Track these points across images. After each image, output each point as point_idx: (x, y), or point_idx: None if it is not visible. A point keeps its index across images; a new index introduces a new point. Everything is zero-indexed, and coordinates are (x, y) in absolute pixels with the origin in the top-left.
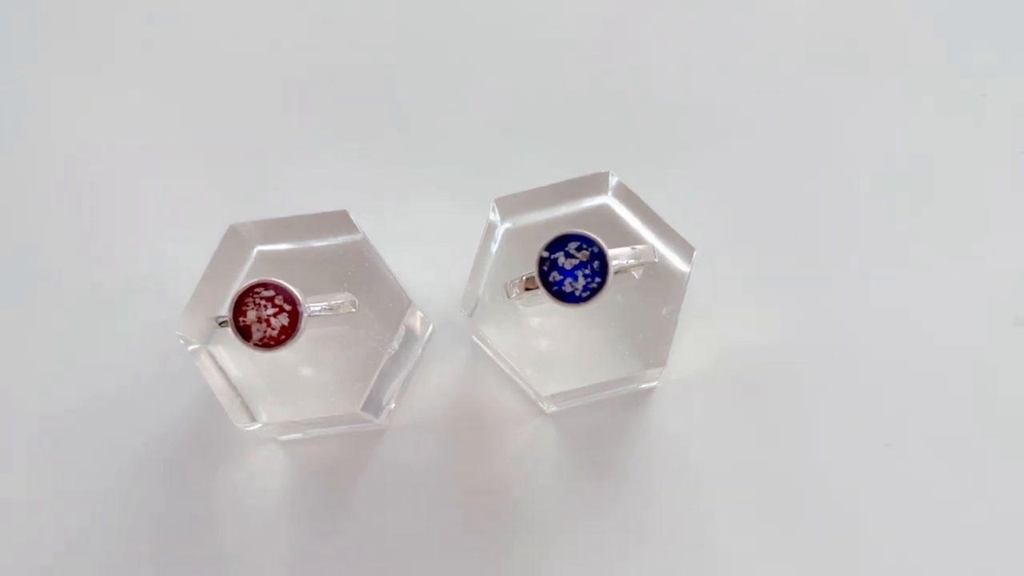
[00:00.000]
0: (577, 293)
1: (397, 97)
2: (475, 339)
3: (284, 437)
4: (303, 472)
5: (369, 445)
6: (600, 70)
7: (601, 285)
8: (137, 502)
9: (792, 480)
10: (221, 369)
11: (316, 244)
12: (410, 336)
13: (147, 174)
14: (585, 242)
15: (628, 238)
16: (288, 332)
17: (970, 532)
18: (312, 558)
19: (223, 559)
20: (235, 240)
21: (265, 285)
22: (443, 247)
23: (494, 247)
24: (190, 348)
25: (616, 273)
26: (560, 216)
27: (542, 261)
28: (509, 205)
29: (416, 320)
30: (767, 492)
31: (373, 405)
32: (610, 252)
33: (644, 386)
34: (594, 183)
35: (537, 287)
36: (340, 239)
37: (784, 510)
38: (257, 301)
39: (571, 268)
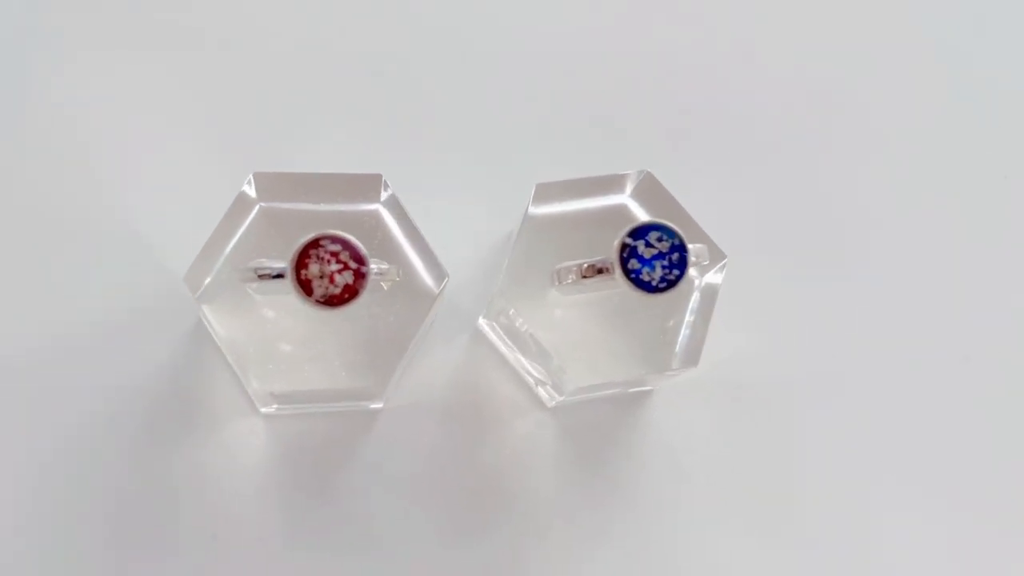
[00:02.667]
0: (653, 283)
1: (428, 82)
2: (482, 323)
3: (265, 409)
4: (287, 449)
5: (361, 425)
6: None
7: (679, 278)
8: (94, 470)
9: (780, 487)
10: (227, 329)
11: (343, 208)
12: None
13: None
14: (667, 233)
15: None
16: (352, 292)
17: (955, 551)
18: (292, 543)
19: (190, 540)
20: (250, 194)
21: (332, 238)
22: (448, 231)
23: (522, 233)
24: (200, 303)
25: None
26: (581, 210)
27: (623, 247)
28: (546, 193)
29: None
30: (757, 498)
31: (390, 384)
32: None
33: (645, 388)
34: (623, 181)
35: (594, 276)
36: (368, 205)
37: (772, 517)
38: (322, 255)
39: (649, 257)
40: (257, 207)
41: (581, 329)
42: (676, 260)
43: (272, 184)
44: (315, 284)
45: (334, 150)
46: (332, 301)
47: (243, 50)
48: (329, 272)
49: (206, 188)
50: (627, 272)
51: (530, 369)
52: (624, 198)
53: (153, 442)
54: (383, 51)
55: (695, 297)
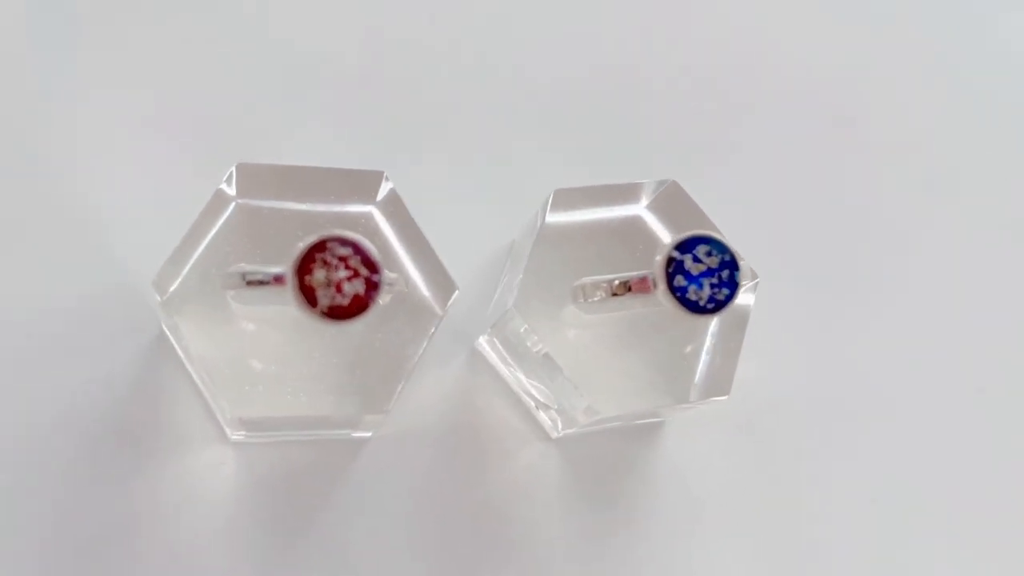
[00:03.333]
0: (701, 303)
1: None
2: (481, 344)
3: (236, 436)
4: (260, 482)
5: (345, 456)
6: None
7: (729, 298)
8: (36, 502)
9: (794, 522)
10: (199, 352)
11: (335, 208)
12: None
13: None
14: (716, 247)
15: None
16: (361, 304)
17: None
18: None
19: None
20: (227, 191)
21: (341, 240)
22: (442, 239)
23: (538, 243)
24: (173, 313)
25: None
26: (597, 219)
27: (669, 262)
28: (565, 199)
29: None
30: (772, 535)
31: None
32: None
33: (656, 419)
34: (645, 190)
35: (624, 293)
36: (362, 207)
37: (786, 553)
38: (328, 259)
39: (697, 274)
40: (233, 204)
41: (596, 352)
42: (726, 278)
43: (256, 179)
44: (320, 293)
45: (320, 149)
46: (338, 313)
47: (229, 32)
48: (336, 279)
49: (178, 184)
50: (672, 290)
51: (533, 392)
52: (641, 208)
53: (106, 471)
54: (388, 41)
55: (715, 320)
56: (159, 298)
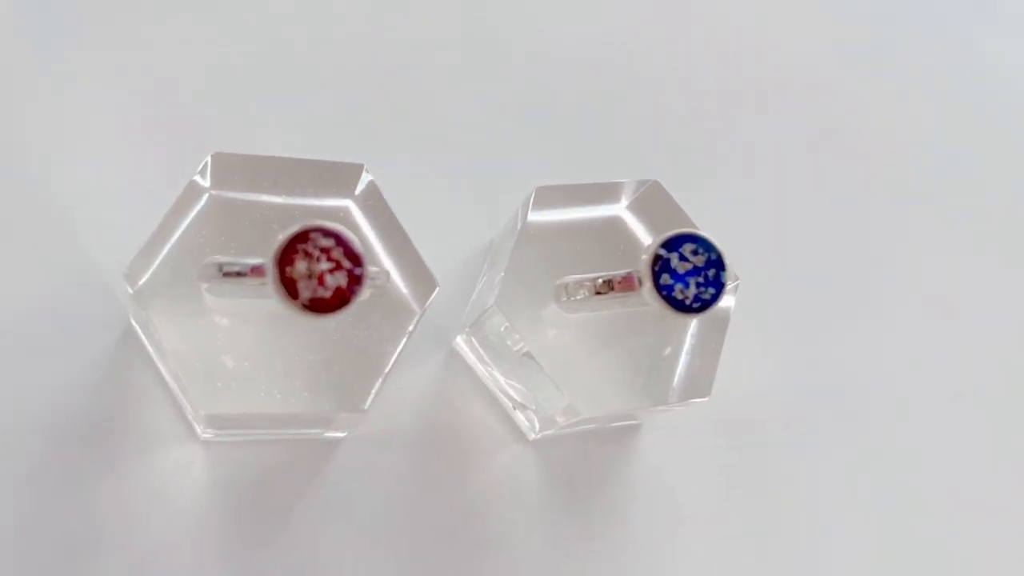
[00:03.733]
0: (687, 302)
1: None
2: (459, 344)
3: (206, 435)
4: (229, 482)
5: (318, 456)
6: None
7: (715, 297)
8: (1, 505)
9: (774, 523)
10: (172, 347)
11: (310, 202)
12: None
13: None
14: (703, 246)
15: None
16: (343, 297)
17: None
18: None
19: None
20: (202, 181)
21: (324, 231)
22: (418, 236)
23: (520, 241)
24: (145, 306)
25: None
26: (577, 219)
27: (656, 259)
28: (547, 197)
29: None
30: (751, 535)
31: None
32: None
33: (634, 421)
34: (622, 190)
35: (607, 292)
36: (335, 201)
37: (766, 554)
38: (310, 250)
39: (683, 273)
40: (207, 195)
41: (575, 352)
42: (712, 277)
43: (231, 170)
44: (301, 285)
45: (297, 143)
46: (319, 306)
47: (206, 23)
48: (319, 271)
49: (150, 175)
50: (658, 288)
51: (511, 392)
52: (622, 208)
53: (73, 471)
54: (369, 36)
55: (695, 322)
56: (130, 290)
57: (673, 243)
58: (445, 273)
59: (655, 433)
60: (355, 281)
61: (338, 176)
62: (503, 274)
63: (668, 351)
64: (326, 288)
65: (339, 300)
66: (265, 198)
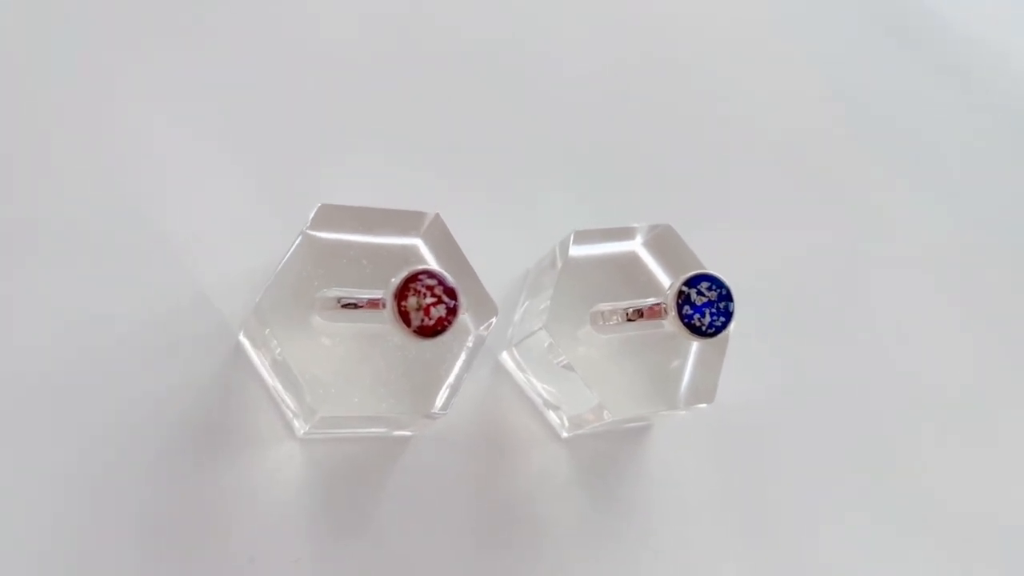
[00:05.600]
0: (704, 328)
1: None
2: (506, 358)
3: (302, 433)
4: (322, 471)
5: (392, 451)
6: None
7: (725, 324)
8: (129, 490)
9: (788, 523)
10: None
11: (389, 241)
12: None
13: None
14: (715, 283)
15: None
16: (443, 324)
17: None
18: (326, 562)
19: (225, 563)
20: (316, 227)
21: (429, 273)
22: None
23: (554, 273)
24: (269, 325)
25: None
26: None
27: (680, 295)
28: (582, 237)
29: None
30: (765, 532)
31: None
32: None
33: (644, 423)
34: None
35: (635, 319)
36: (412, 239)
37: (782, 551)
38: (419, 288)
39: (700, 305)
40: (302, 235)
41: (602, 366)
42: (723, 308)
43: (331, 217)
44: (412, 316)
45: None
46: (425, 332)
47: (277, 78)
48: (425, 304)
49: (253, 215)
50: (682, 317)
51: (545, 396)
52: (638, 246)
53: (189, 465)
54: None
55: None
56: (257, 316)
57: (693, 281)
58: (497, 298)
59: (664, 432)
60: (452, 312)
61: (409, 220)
62: (549, 303)
63: (675, 364)
64: (431, 318)
65: (440, 327)
66: (356, 238)
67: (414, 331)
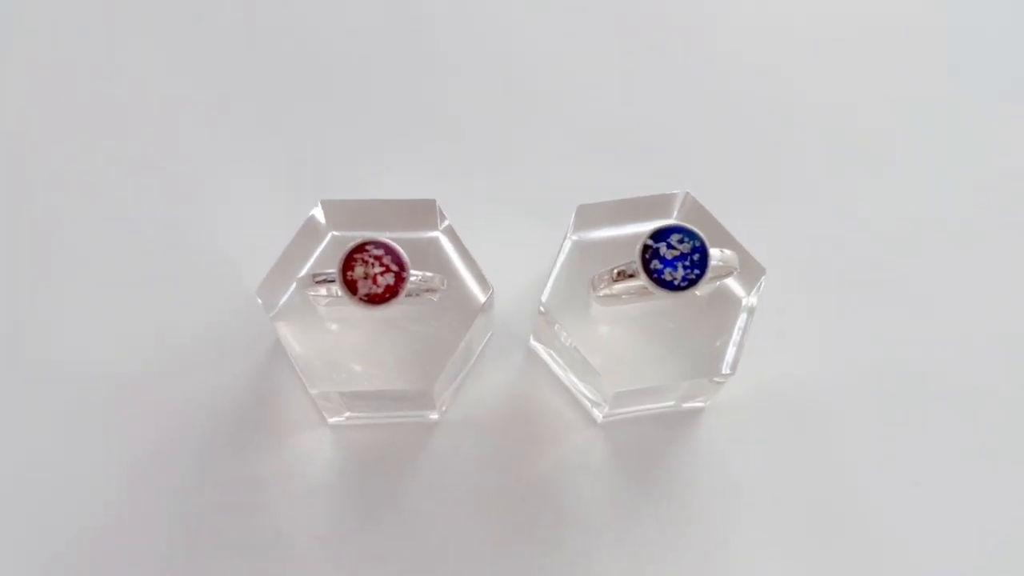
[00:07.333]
0: (675, 282)
1: (485, 104)
2: (534, 344)
3: (333, 420)
4: (350, 455)
5: (419, 436)
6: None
7: (699, 276)
8: (174, 475)
9: (830, 505)
10: (295, 341)
11: (397, 235)
12: (473, 336)
13: (231, 159)
14: (688, 235)
15: None
16: (392, 291)
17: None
18: (352, 541)
19: (262, 537)
20: (317, 218)
21: (376, 243)
22: (503, 257)
23: (561, 258)
24: (270, 315)
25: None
26: (629, 233)
27: (645, 249)
28: (588, 215)
29: (483, 319)
30: (803, 520)
31: (439, 390)
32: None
33: (693, 405)
34: (667, 202)
35: (624, 280)
36: (423, 234)
37: (818, 539)
38: (366, 259)
39: (672, 258)
40: (329, 235)
41: (627, 346)
42: (697, 260)
43: (338, 211)
44: (359, 284)
45: (395, 180)
46: (373, 299)
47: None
48: (372, 274)
49: (283, 219)
50: (649, 272)
51: (581, 388)
52: (667, 219)
53: (234, 450)
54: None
55: (743, 316)
56: (263, 306)
57: (661, 235)
58: (525, 286)
59: (714, 417)
60: (401, 280)
61: (421, 212)
62: (551, 280)
63: (693, 336)
64: (378, 286)
65: (389, 294)
66: (369, 234)
67: (361, 299)
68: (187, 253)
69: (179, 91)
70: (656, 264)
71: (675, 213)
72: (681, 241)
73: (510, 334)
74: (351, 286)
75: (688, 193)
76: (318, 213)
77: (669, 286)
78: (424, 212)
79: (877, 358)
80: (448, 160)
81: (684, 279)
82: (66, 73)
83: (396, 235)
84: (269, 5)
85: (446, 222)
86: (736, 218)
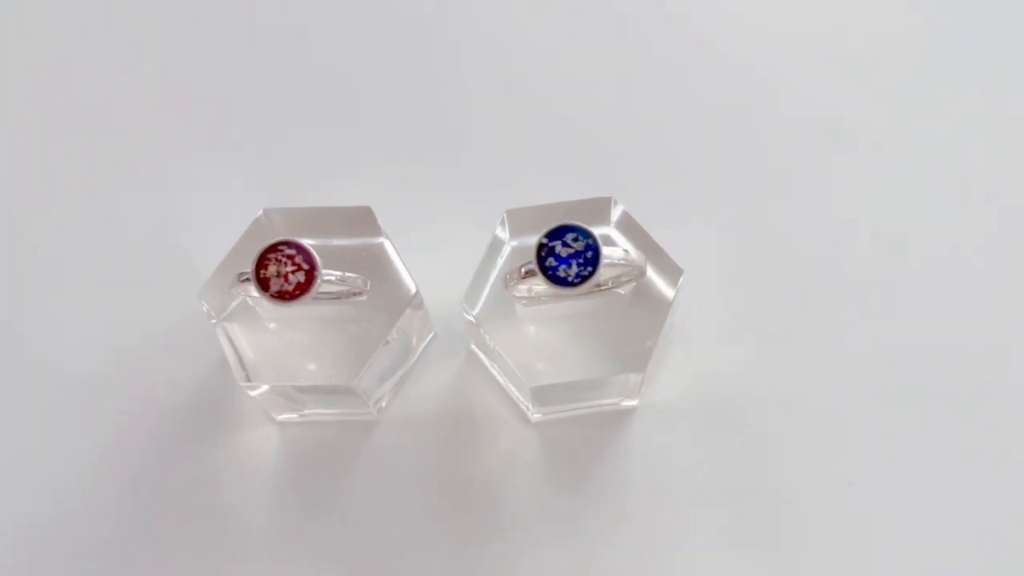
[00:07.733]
0: (569, 279)
1: (425, 105)
2: (473, 347)
3: (280, 417)
4: (295, 451)
5: (360, 434)
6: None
7: (592, 273)
8: (123, 471)
9: (760, 508)
10: (233, 340)
11: (337, 242)
12: (408, 336)
13: (183, 162)
14: (581, 234)
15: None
16: (303, 288)
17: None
18: (295, 535)
19: (209, 528)
20: (263, 224)
21: (288, 244)
22: (448, 259)
23: (500, 261)
24: (212, 320)
25: (607, 265)
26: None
27: (541, 247)
28: (518, 219)
29: (417, 320)
30: (735, 518)
31: (366, 387)
32: (604, 248)
33: (625, 404)
34: (598, 206)
35: (531, 277)
36: (361, 239)
37: (750, 537)
38: (279, 258)
39: (566, 256)
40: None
41: (551, 346)
42: (591, 258)
43: (279, 219)
44: (272, 282)
45: (342, 188)
46: (284, 296)
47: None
48: (284, 272)
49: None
50: (544, 270)
51: (512, 388)
52: (608, 229)
53: (184, 446)
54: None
55: (666, 315)
56: (206, 307)
57: (556, 234)
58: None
59: (645, 416)
60: (312, 278)
61: (357, 216)
62: (470, 282)
63: (617, 335)
64: (289, 283)
65: (300, 291)
66: (313, 242)
67: (273, 295)
68: (142, 254)
69: (136, 93)
70: (551, 262)
71: (611, 218)
72: (576, 239)
73: (454, 336)
74: (264, 283)
75: (611, 197)
76: (263, 219)
77: (563, 282)
78: (362, 218)
79: (809, 357)
80: (392, 165)
81: (578, 276)
82: (16, 72)
83: (337, 241)
84: (227, 9)
85: (382, 228)
86: (671, 221)
